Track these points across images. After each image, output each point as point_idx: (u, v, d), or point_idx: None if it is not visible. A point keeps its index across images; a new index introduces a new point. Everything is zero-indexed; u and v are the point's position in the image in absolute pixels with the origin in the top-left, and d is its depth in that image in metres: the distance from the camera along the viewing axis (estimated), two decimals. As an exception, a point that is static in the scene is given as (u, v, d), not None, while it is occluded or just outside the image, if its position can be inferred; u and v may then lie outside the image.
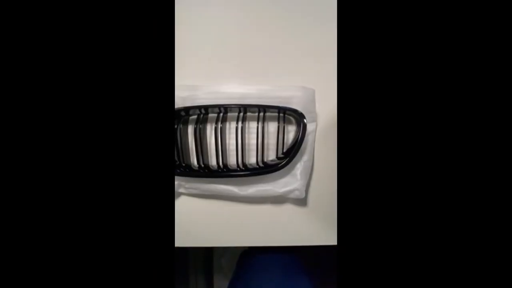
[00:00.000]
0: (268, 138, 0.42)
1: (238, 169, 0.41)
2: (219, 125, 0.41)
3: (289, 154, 0.40)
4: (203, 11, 0.44)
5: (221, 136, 0.41)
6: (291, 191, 0.41)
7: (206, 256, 1.02)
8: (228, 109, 0.42)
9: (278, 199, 0.43)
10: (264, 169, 0.40)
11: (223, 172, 0.41)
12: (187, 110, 0.42)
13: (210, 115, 0.43)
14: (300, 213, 0.43)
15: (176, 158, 0.42)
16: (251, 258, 0.56)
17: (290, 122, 0.43)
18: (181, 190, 0.44)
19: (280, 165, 0.39)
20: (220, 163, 0.41)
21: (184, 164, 0.42)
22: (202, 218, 0.45)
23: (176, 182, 0.43)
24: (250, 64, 0.44)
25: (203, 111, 0.42)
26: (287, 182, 0.41)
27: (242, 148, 0.41)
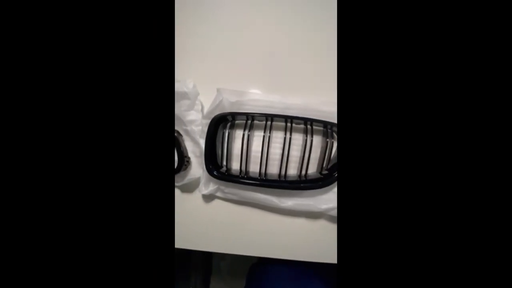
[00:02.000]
0: (311, 151, 0.42)
1: (279, 179, 0.41)
2: (267, 134, 0.40)
3: (333, 171, 0.40)
4: (256, 21, 0.44)
5: (267, 145, 0.40)
6: (332, 209, 0.40)
7: (206, 257, 1.01)
8: (274, 118, 0.41)
9: (314, 214, 0.43)
10: (308, 184, 0.40)
11: (266, 181, 0.40)
12: (234, 115, 0.41)
13: (256, 122, 0.43)
14: (335, 230, 0.43)
15: (218, 162, 0.42)
16: (263, 268, 0.56)
17: (334, 138, 0.43)
18: (219, 194, 0.43)
19: (324, 182, 0.39)
20: (263, 172, 0.41)
21: (225, 169, 0.42)
22: (233, 224, 0.44)
23: (215, 186, 0.42)
24: (297, 76, 0.44)
25: (250, 118, 0.42)
26: (329, 199, 0.41)
27: (287, 159, 0.40)
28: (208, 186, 0.42)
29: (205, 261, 1.02)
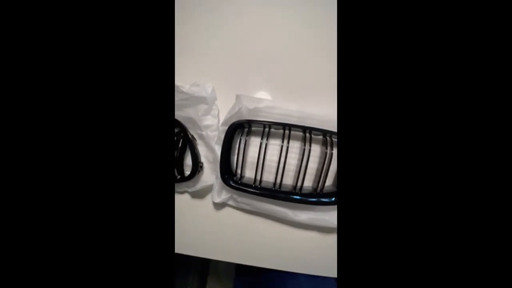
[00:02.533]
0: (330, 164, 0.41)
1: (294, 191, 0.40)
2: (285, 143, 0.39)
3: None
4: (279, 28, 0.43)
5: (284, 155, 0.39)
6: (348, 225, 0.39)
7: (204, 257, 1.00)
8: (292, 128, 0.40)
9: (327, 228, 0.42)
10: (325, 199, 0.39)
11: (281, 193, 0.39)
12: (251, 123, 0.40)
13: (271, 130, 0.41)
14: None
15: (232, 169, 0.41)
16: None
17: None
18: (231, 202, 0.42)
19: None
20: (278, 182, 0.40)
21: (239, 177, 0.41)
22: (243, 234, 0.43)
23: (227, 195, 0.41)
24: (317, 85, 0.43)
25: (267, 126, 0.40)
26: (345, 215, 0.40)
27: (305, 171, 0.39)
28: (221, 194, 0.41)
29: (203, 261, 1.01)
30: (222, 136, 0.40)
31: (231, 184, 0.38)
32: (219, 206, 0.43)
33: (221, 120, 0.42)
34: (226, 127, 0.39)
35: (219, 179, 0.40)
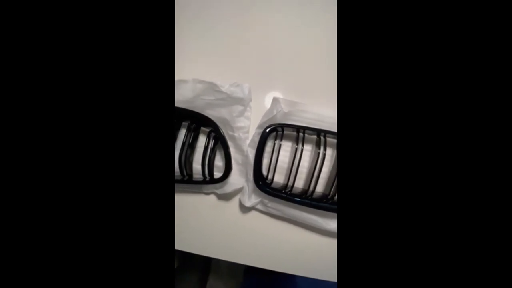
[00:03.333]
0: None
1: (326, 199, 0.39)
2: (321, 150, 0.38)
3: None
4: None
5: (316, 162, 0.39)
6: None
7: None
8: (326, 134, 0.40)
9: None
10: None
11: (314, 201, 0.38)
12: (283, 127, 0.39)
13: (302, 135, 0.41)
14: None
15: (264, 172, 0.40)
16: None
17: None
18: (259, 207, 0.41)
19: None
20: (310, 190, 0.39)
21: (269, 181, 0.40)
22: (269, 239, 0.42)
23: (258, 199, 0.40)
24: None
25: (301, 131, 0.40)
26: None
27: (335, 179, 0.39)
28: (251, 198, 0.40)
29: (205, 258, 1.01)
30: (256, 139, 0.39)
31: (266, 190, 0.38)
32: (245, 209, 0.42)
33: (253, 122, 0.41)
34: (261, 130, 0.39)
35: (251, 183, 0.39)
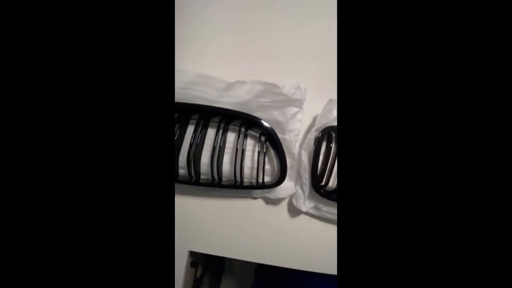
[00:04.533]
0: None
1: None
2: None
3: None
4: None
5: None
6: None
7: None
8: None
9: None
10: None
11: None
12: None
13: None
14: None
15: (318, 175, 0.39)
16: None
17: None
18: (312, 211, 0.40)
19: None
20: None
21: (323, 185, 0.39)
22: (322, 244, 0.41)
23: (312, 204, 0.39)
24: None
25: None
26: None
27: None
28: (306, 202, 0.39)
29: (218, 258, 0.99)
30: (311, 142, 0.38)
31: (327, 195, 0.37)
32: (294, 213, 0.42)
33: (305, 124, 0.40)
34: (317, 133, 0.37)
35: (307, 187, 0.38)
